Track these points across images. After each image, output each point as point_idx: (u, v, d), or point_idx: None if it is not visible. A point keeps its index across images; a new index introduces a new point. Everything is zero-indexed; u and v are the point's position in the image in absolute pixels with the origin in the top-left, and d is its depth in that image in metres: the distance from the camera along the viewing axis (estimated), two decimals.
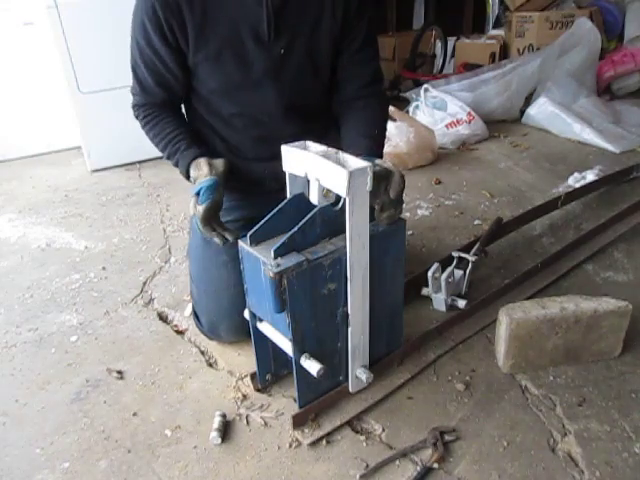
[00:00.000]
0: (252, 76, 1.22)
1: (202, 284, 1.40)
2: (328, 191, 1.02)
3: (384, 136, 1.33)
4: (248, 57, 1.20)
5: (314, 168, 1.00)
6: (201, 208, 1.11)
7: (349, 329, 1.13)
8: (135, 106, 1.34)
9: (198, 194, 1.13)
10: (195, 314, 1.45)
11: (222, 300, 1.35)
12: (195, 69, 1.23)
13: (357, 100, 1.32)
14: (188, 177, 1.23)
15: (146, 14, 1.15)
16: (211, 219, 1.14)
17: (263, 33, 1.18)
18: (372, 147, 1.21)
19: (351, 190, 0.95)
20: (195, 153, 1.22)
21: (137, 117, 1.34)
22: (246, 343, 1.42)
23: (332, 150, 1.02)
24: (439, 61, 4.27)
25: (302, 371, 1.11)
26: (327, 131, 1.34)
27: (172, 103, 1.32)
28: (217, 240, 1.14)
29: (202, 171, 1.18)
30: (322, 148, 1.03)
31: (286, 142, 1.08)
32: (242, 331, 1.32)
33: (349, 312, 1.10)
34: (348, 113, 1.32)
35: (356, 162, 0.98)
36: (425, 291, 1.54)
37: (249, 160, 1.35)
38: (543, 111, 2.99)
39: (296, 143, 1.06)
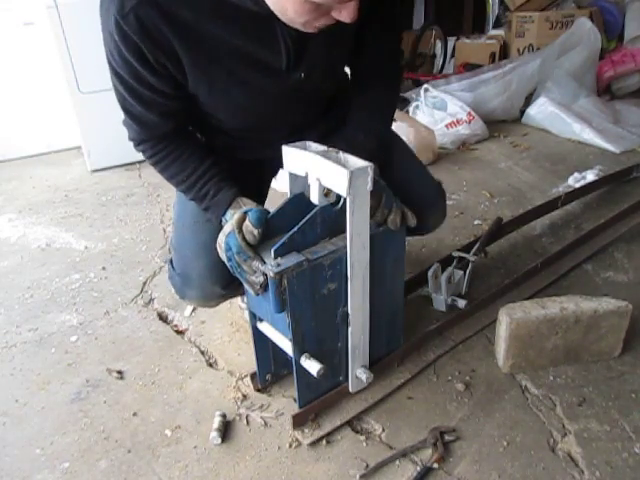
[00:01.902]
0: (265, 105, 1.09)
1: (184, 223, 1.25)
2: (329, 191, 1.02)
3: (393, 112, 1.27)
4: (263, 89, 1.05)
5: (315, 168, 1.00)
6: (255, 230, 0.97)
7: (349, 329, 1.12)
8: (134, 140, 1.12)
9: (245, 213, 1.00)
10: (170, 262, 1.26)
11: (202, 234, 1.17)
12: (195, 97, 1.05)
13: (369, 79, 1.20)
14: (219, 220, 1.09)
15: (127, 48, 0.92)
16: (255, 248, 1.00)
17: (279, 65, 1.02)
18: (373, 148, 1.15)
19: (352, 190, 0.95)
20: (229, 193, 1.08)
21: (142, 152, 1.13)
22: (246, 343, 1.42)
23: (333, 150, 1.02)
24: (439, 61, 4.27)
25: (302, 371, 1.11)
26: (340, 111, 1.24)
27: (181, 129, 1.13)
28: (253, 280, 1.00)
29: (248, 204, 1.06)
30: (323, 148, 1.03)
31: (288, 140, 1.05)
32: (216, 277, 1.16)
33: (349, 312, 1.10)
34: (358, 96, 1.21)
35: (357, 162, 0.98)
36: (425, 291, 1.54)
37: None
38: (543, 111, 2.99)
39: (297, 143, 1.06)
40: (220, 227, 1.06)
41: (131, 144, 1.13)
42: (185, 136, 1.14)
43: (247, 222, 0.99)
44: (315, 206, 1.03)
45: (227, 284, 1.17)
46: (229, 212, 1.07)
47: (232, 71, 1.00)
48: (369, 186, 0.97)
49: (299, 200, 1.08)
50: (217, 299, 1.23)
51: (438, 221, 1.37)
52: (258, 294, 1.03)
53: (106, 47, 0.96)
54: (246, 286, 1.04)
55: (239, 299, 1.52)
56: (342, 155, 1.01)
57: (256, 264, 0.99)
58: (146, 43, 0.91)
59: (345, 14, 0.85)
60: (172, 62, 0.95)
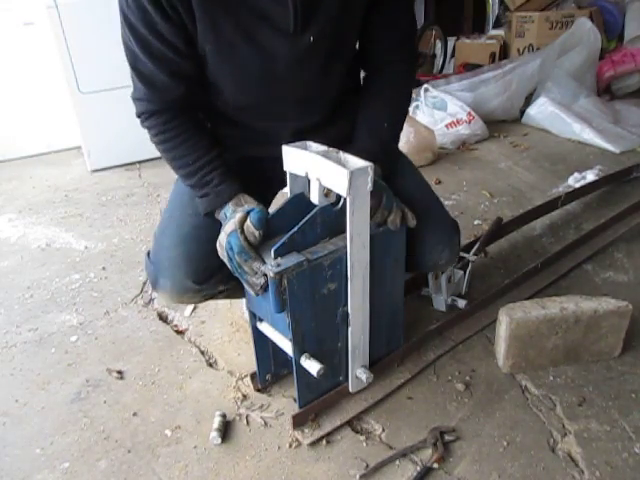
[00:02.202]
0: (273, 69, 1.05)
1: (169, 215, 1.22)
2: (329, 191, 1.02)
3: (402, 120, 1.24)
4: (269, 49, 1.02)
5: (315, 168, 1.00)
6: (256, 232, 0.97)
7: (349, 329, 1.13)
8: (143, 114, 1.10)
9: (247, 213, 0.99)
10: (148, 252, 1.21)
11: (184, 227, 1.15)
12: (203, 58, 1.04)
13: (381, 72, 1.20)
14: (212, 213, 1.09)
15: None
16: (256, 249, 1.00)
17: (287, 26, 1.00)
18: (377, 151, 1.13)
19: (352, 190, 0.95)
20: (233, 187, 1.07)
21: (148, 128, 1.12)
22: (246, 343, 1.42)
23: (333, 150, 1.02)
24: (439, 61, 4.27)
25: (302, 371, 1.11)
26: (347, 109, 1.22)
27: (191, 104, 1.12)
28: (254, 281, 0.99)
29: (250, 203, 1.04)
30: (323, 148, 1.03)
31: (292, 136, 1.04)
32: (189, 270, 1.12)
33: (349, 312, 1.10)
34: (367, 93, 1.21)
35: (357, 162, 0.98)
36: (425, 291, 1.54)
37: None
38: (543, 111, 2.99)
39: (297, 143, 1.06)
40: (208, 221, 1.05)
41: (138, 122, 1.12)
42: (195, 122, 1.13)
43: (248, 222, 0.98)
44: (315, 206, 1.03)
45: (201, 280, 1.12)
46: (229, 207, 1.06)
47: (240, 23, 0.98)
48: (369, 186, 0.97)
49: (299, 200, 1.08)
50: (190, 294, 1.15)
51: (449, 260, 1.28)
52: (258, 295, 1.03)
53: (120, 5, 0.97)
54: (246, 287, 1.03)
55: (244, 305, 1.49)
56: (342, 155, 1.01)
57: (257, 265, 0.98)
58: None
59: None
60: (183, 4, 0.95)
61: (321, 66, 1.10)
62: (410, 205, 1.16)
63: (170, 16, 0.96)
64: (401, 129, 1.24)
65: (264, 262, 0.99)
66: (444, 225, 1.26)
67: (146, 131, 1.14)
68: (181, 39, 0.99)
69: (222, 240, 1.01)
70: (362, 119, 1.19)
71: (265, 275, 0.98)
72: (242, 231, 0.98)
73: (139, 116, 1.12)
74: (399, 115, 1.24)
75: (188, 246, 1.12)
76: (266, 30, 1.00)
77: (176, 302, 1.18)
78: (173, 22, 0.96)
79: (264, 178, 1.23)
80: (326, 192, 1.02)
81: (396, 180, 1.18)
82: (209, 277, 1.13)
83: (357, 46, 1.20)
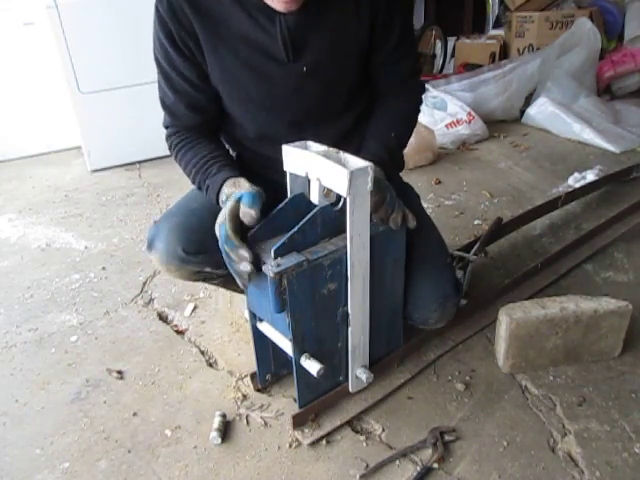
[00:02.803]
0: (275, 93, 1.14)
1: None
2: (329, 191, 1.02)
3: (407, 135, 1.26)
4: (268, 76, 1.12)
5: (315, 168, 1.00)
6: (252, 211, 0.98)
7: (349, 329, 1.12)
8: (169, 137, 1.22)
9: (238, 200, 1.00)
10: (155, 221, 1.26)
11: (193, 202, 1.22)
12: (217, 92, 1.16)
13: (388, 96, 1.24)
14: (218, 201, 1.11)
15: (161, 29, 1.08)
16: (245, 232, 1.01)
17: (280, 54, 1.09)
18: (382, 155, 1.15)
19: (352, 190, 0.95)
20: (230, 173, 1.10)
21: (170, 148, 1.23)
22: (246, 343, 1.42)
23: (333, 150, 1.02)
24: (439, 61, 4.27)
25: (302, 371, 1.11)
26: (356, 126, 1.25)
27: (208, 127, 1.21)
28: (240, 269, 1.01)
29: (242, 186, 1.05)
30: (323, 148, 1.03)
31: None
32: (182, 237, 1.15)
33: (349, 312, 1.10)
34: (376, 110, 1.24)
35: (357, 162, 0.98)
36: None
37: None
38: (543, 111, 2.99)
39: (296, 143, 1.06)
40: (218, 208, 1.06)
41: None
42: (210, 135, 1.21)
43: (242, 206, 0.99)
44: (315, 206, 1.03)
45: (189, 250, 1.15)
46: (224, 191, 1.08)
47: (239, 54, 1.10)
48: (369, 186, 0.97)
49: (299, 200, 1.08)
50: (177, 263, 1.16)
51: (439, 321, 1.24)
52: (246, 286, 1.05)
53: (153, 36, 1.12)
54: (236, 279, 1.04)
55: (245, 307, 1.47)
56: (342, 155, 1.01)
57: (242, 252, 0.99)
58: (174, 22, 1.07)
59: None
60: (193, 41, 1.09)
61: (319, 93, 1.16)
62: (415, 253, 1.18)
63: (184, 53, 1.10)
64: (408, 139, 1.26)
65: (251, 250, 0.99)
66: (445, 283, 1.22)
67: (165, 142, 1.24)
68: (195, 74, 1.13)
69: (215, 232, 1.03)
70: (370, 130, 1.22)
71: (252, 263, 0.99)
72: (231, 219, 0.99)
73: (166, 139, 1.23)
74: (406, 126, 1.25)
75: (190, 218, 1.18)
76: (264, 60, 1.10)
77: (164, 269, 1.21)
78: (187, 58, 1.11)
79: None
80: (326, 192, 1.02)
81: (408, 228, 1.15)
82: (198, 252, 1.15)
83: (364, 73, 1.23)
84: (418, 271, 1.21)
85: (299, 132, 1.11)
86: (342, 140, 1.21)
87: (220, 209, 1.04)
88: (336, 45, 1.12)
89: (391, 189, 1.08)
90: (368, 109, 1.26)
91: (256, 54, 1.10)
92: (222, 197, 1.08)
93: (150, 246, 1.20)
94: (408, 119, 1.27)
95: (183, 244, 1.15)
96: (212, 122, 1.22)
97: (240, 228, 1.00)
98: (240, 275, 1.03)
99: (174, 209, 1.24)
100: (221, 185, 1.09)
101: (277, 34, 1.07)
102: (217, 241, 1.02)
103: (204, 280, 1.27)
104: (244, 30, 1.08)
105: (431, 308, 1.21)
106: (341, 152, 1.01)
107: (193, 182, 1.18)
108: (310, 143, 1.06)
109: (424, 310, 1.22)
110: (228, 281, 1.20)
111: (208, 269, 1.20)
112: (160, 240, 1.18)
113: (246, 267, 1.00)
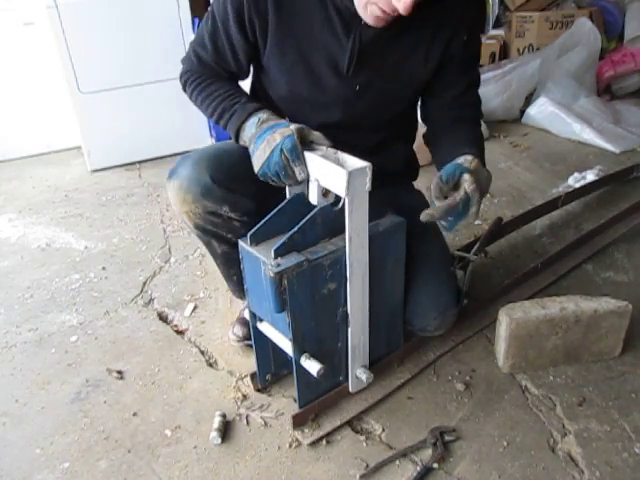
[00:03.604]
0: (322, 99, 1.15)
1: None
2: (327, 191, 1.02)
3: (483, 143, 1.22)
4: (321, 81, 1.12)
5: (313, 168, 1.00)
6: (294, 127, 0.99)
7: (349, 329, 1.12)
8: (186, 73, 1.20)
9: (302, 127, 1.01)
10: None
11: (224, 146, 1.21)
12: (267, 69, 1.16)
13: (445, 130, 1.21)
14: (237, 136, 1.09)
15: (231, 4, 1.06)
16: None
17: (342, 66, 1.10)
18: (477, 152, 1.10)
19: (350, 190, 0.95)
20: (260, 104, 1.09)
21: (186, 83, 1.20)
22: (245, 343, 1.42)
23: (331, 150, 1.02)
24: None
25: (302, 371, 1.11)
26: (389, 141, 1.27)
27: (230, 77, 1.20)
28: (297, 172, 1.00)
29: (277, 119, 1.05)
30: (321, 148, 1.03)
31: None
32: (212, 165, 1.13)
33: (349, 312, 1.10)
34: (437, 136, 1.23)
35: (355, 162, 0.98)
36: None
37: None
38: (543, 111, 2.98)
39: None
40: (247, 151, 1.06)
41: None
42: (231, 80, 1.20)
43: (309, 130, 1.01)
44: (315, 206, 1.03)
45: (217, 180, 1.11)
46: (254, 120, 1.05)
47: (303, 52, 1.09)
48: (367, 186, 0.97)
49: (299, 200, 1.08)
50: (199, 193, 1.12)
51: (438, 329, 1.25)
52: (290, 185, 1.05)
53: None
54: (282, 178, 1.01)
55: (230, 330, 1.44)
56: (340, 155, 1.01)
57: (302, 168, 0.99)
58: (250, 7, 1.05)
59: (402, 3, 0.91)
60: (260, 26, 1.07)
61: (364, 111, 1.16)
62: (419, 259, 1.18)
63: (246, 32, 1.09)
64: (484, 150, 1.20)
65: (305, 167, 1.00)
66: (446, 293, 1.23)
67: (182, 87, 1.22)
68: (244, 52, 1.12)
69: (276, 137, 1.00)
70: (444, 148, 1.17)
71: (307, 178, 1.01)
72: (298, 135, 0.99)
73: (182, 75, 1.21)
74: (482, 141, 1.22)
75: (221, 153, 1.17)
76: (324, 66, 1.10)
77: (180, 199, 1.15)
78: (246, 37, 1.10)
79: None
80: (324, 192, 1.02)
81: (413, 233, 1.16)
82: (225, 183, 1.12)
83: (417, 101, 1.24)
84: (420, 278, 1.21)
85: (332, 135, 1.07)
86: (375, 148, 1.22)
87: (247, 151, 1.05)
88: (396, 76, 1.13)
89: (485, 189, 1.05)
90: (407, 122, 1.26)
91: (320, 58, 1.09)
92: (257, 118, 1.05)
93: (172, 173, 1.16)
94: (481, 138, 1.25)
95: (212, 171, 1.12)
96: (236, 79, 1.21)
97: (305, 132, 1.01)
98: (291, 176, 1.01)
99: (202, 148, 1.20)
100: (256, 109, 1.07)
101: (348, 46, 1.07)
102: (243, 179, 1.04)
103: (211, 235, 1.22)
104: (317, 31, 1.07)
105: (431, 316, 1.21)
106: (339, 152, 1.01)
107: (214, 110, 1.14)
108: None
109: (424, 317, 1.23)
110: (230, 259, 1.20)
111: (225, 208, 1.15)
112: (185, 167, 1.14)
113: (302, 172, 1.00)
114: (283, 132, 1.00)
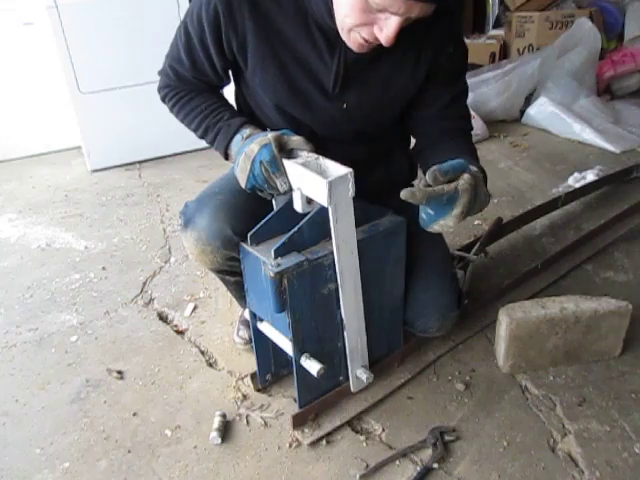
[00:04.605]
0: (309, 117, 1.11)
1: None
2: (311, 199, 1.00)
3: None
4: (307, 100, 1.09)
5: (294, 177, 0.98)
6: (300, 137, 0.99)
7: (345, 333, 1.12)
8: (164, 88, 1.17)
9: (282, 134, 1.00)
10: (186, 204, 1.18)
11: (236, 184, 1.09)
12: (252, 86, 1.12)
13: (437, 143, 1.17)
14: (227, 155, 1.08)
15: (207, 17, 1.01)
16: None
17: (328, 86, 1.07)
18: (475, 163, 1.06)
19: (332, 199, 0.93)
20: (246, 119, 1.08)
21: (165, 97, 1.18)
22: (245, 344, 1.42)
23: (313, 155, 0.99)
24: None
25: (302, 371, 1.11)
26: (390, 151, 1.25)
27: (212, 89, 1.17)
28: (279, 184, 0.98)
29: (259, 132, 1.03)
30: (303, 155, 1.00)
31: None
32: (231, 216, 1.10)
33: (343, 317, 1.10)
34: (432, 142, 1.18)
35: (337, 169, 0.95)
36: None
37: None
38: (543, 111, 2.98)
39: None
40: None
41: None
42: (212, 91, 1.18)
43: (287, 136, 1.00)
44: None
45: (238, 231, 1.08)
46: (243, 131, 1.05)
47: (287, 71, 1.05)
48: (350, 193, 0.95)
49: None
50: (220, 244, 1.09)
51: (439, 330, 1.24)
52: (272, 196, 1.04)
53: (190, 7, 1.06)
54: (266, 190, 1.01)
55: (234, 333, 1.46)
56: (322, 161, 0.98)
57: (282, 180, 0.98)
58: (225, 16, 1.00)
59: (385, 33, 0.89)
60: (238, 44, 1.04)
61: (353, 128, 1.14)
62: (421, 261, 1.17)
63: (223, 50, 1.06)
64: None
65: (287, 178, 0.99)
66: (448, 295, 1.22)
67: (163, 104, 1.20)
68: (222, 67, 1.10)
69: (253, 149, 0.98)
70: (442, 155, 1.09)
71: (290, 189, 0.99)
72: (276, 145, 0.98)
73: (160, 89, 1.19)
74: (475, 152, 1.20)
75: (237, 197, 1.11)
76: (309, 85, 1.07)
77: (199, 250, 1.13)
78: (223, 54, 1.07)
79: None
80: (309, 200, 1.01)
81: (416, 235, 1.14)
82: (246, 231, 1.08)
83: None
84: (422, 280, 1.21)
85: (320, 147, 1.05)
86: (379, 158, 1.21)
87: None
88: (383, 93, 1.10)
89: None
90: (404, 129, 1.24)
91: (303, 77, 1.06)
92: (240, 136, 1.05)
93: (188, 223, 1.12)
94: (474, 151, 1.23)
95: (232, 224, 1.08)
96: (217, 89, 1.19)
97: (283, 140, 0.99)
98: (275, 187, 1.00)
99: (215, 188, 1.17)
100: (240, 126, 1.06)
101: (333, 65, 1.04)
102: (260, 219, 1.01)
103: (226, 273, 1.21)
104: (299, 49, 1.03)
105: (432, 318, 1.21)
106: (321, 158, 0.99)
107: (197, 127, 1.13)
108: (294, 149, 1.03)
109: (425, 319, 1.22)
110: (242, 286, 1.17)
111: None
112: (203, 217, 1.10)
113: (284, 183, 0.98)
114: (261, 141, 0.98)
